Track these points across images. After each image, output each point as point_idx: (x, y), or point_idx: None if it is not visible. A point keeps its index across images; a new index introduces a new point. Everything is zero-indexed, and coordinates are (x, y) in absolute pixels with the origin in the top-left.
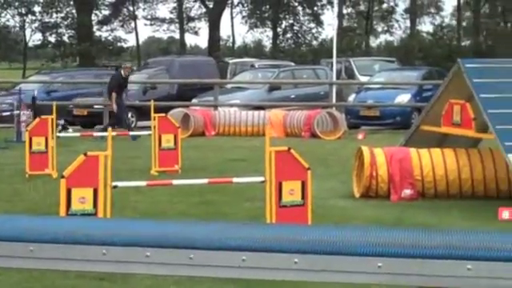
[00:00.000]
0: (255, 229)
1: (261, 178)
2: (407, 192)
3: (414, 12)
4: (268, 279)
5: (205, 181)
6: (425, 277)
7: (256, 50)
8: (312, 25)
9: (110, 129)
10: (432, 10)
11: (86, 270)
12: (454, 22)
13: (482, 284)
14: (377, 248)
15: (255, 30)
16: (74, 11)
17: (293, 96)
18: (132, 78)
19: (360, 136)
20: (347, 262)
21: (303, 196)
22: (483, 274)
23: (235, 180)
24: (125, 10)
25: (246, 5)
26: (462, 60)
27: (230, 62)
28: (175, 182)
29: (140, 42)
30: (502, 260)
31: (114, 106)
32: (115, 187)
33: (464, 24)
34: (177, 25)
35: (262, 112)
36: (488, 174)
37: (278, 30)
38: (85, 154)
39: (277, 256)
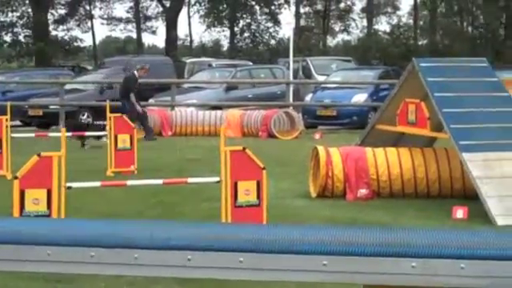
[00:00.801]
0: (200, 228)
1: (216, 178)
2: (363, 191)
3: (370, 11)
4: (214, 278)
5: (160, 181)
6: (370, 274)
7: (214, 50)
8: (269, 24)
9: (63, 129)
10: (389, 10)
11: (30, 271)
12: (411, 22)
13: (426, 281)
14: (322, 246)
15: (213, 29)
16: (29, 10)
17: (250, 96)
18: (88, 77)
19: (317, 136)
20: (292, 260)
21: (258, 196)
22: (427, 272)
23: (190, 180)
24: (81, 9)
25: (203, 4)
26: (416, 59)
27: (188, 61)
28: (129, 182)
29: (97, 42)
30: (446, 257)
31: (138, 108)
32: (69, 188)
33: (421, 23)
34: (134, 24)
35: (219, 112)
36: (443, 174)
37: (236, 29)
38: (38, 155)
39: (222, 255)
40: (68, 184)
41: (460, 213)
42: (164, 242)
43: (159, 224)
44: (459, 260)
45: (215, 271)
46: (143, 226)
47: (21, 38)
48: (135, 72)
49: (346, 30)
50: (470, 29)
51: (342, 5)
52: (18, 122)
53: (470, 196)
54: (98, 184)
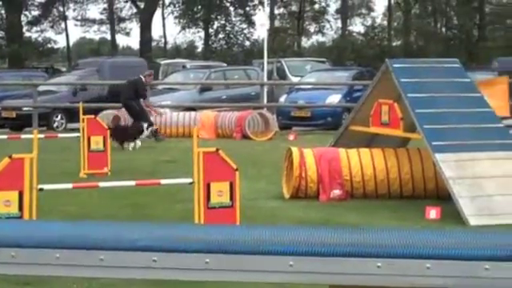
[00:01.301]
0: (166, 229)
1: (189, 180)
2: (336, 192)
3: (345, 13)
4: (180, 280)
5: (132, 183)
6: (336, 275)
7: (188, 51)
8: (244, 25)
9: (36, 131)
10: (363, 11)
11: None
12: (385, 23)
13: (391, 281)
14: (288, 247)
15: (187, 30)
16: (2, 11)
17: (224, 97)
18: (61, 79)
19: (291, 137)
20: (259, 261)
21: (231, 197)
22: (393, 272)
23: (163, 182)
24: (55, 10)
25: (177, 5)
26: (389, 60)
27: (162, 62)
28: (102, 184)
29: (71, 43)
30: (411, 257)
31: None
32: (41, 190)
33: (395, 24)
34: (108, 25)
35: (193, 113)
36: (416, 174)
37: (210, 30)
38: (10, 157)
39: (188, 256)
40: (40, 186)
41: (433, 213)
42: (129, 243)
43: (125, 225)
44: (425, 260)
45: (181, 272)
46: (109, 227)
47: None
48: (142, 77)
49: (320, 31)
50: (443, 30)
51: (317, 6)
52: None
53: (442, 196)
54: (69, 186)
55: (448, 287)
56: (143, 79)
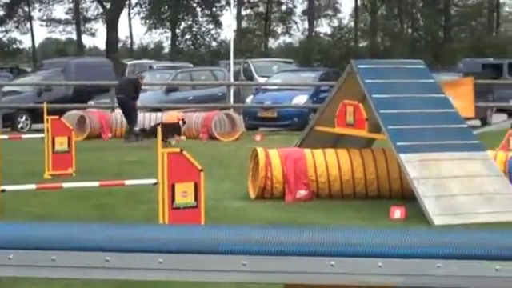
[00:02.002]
0: (119, 229)
1: (153, 180)
2: (302, 192)
3: (311, 14)
4: (133, 279)
5: (96, 184)
6: (289, 274)
7: (155, 52)
8: (211, 26)
9: None
10: (329, 12)
11: None
12: (352, 24)
13: (344, 279)
14: (241, 246)
15: (154, 31)
16: None
17: (190, 97)
18: (26, 79)
19: (257, 137)
20: (212, 260)
21: (196, 198)
22: (346, 270)
23: (127, 182)
24: (20, 10)
25: (144, 5)
26: (354, 61)
27: (129, 63)
28: (65, 185)
29: (37, 44)
30: (363, 256)
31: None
32: (3, 191)
33: (362, 25)
34: (74, 26)
35: (159, 114)
36: (381, 174)
37: (177, 31)
38: None
39: (141, 256)
40: (2, 187)
41: (397, 213)
42: (82, 243)
43: (78, 225)
44: (377, 258)
45: (134, 272)
46: (61, 227)
47: None
48: (139, 80)
49: (287, 32)
50: (410, 31)
51: (284, 7)
52: None
53: (407, 196)
54: (33, 187)
55: (400, 285)
56: (140, 82)
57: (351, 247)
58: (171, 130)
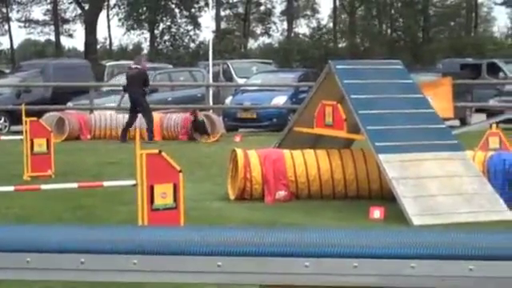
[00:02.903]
0: (93, 231)
1: (132, 182)
2: (281, 193)
3: (290, 14)
4: (108, 281)
5: (75, 185)
6: (264, 274)
7: (134, 53)
8: (189, 27)
9: None
10: (308, 13)
11: None
12: (331, 25)
13: (319, 280)
14: (216, 247)
15: (132, 32)
16: None
17: (170, 99)
18: (4, 81)
19: (237, 138)
20: (187, 261)
21: (175, 199)
22: (321, 271)
23: (106, 184)
24: None
25: (122, 7)
26: (332, 61)
27: (107, 64)
28: (44, 186)
29: (16, 45)
30: (338, 256)
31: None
32: None
33: (341, 26)
34: (52, 27)
35: (138, 115)
36: (360, 174)
37: (156, 32)
38: None
39: (115, 257)
40: None
41: (377, 213)
42: (57, 245)
43: (52, 227)
44: (352, 259)
45: (109, 274)
46: (36, 229)
47: None
48: (142, 67)
49: (266, 32)
50: (389, 32)
51: (263, 8)
52: None
53: (387, 196)
54: (11, 188)
55: (374, 285)
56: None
57: (326, 248)
58: (201, 128)
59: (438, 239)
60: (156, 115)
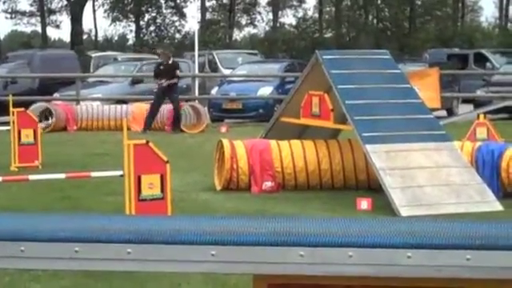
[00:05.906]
0: (87, 220)
1: (119, 172)
2: (268, 184)
3: (276, 4)
4: (103, 270)
5: (62, 175)
6: (258, 264)
7: (119, 44)
8: (175, 18)
9: None
10: (294, 3)
11: None
12: (317, 15)
13: (314, 270)
14: (210, 236)
15: (118, 23)
16: None
17: (155, 89)
18: None
19: (223, 129)
20: (180, 250)
21: (162, 189)
22: (316, 260)
23: (93, 174)
24: None
25: None
26: (319, 51)
27: (93, 55)
28: (31, 177)
29: (2, 36)
30: (334, 246)
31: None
32: None
33: (326, 17)
34: (38, 18)
35: (124, 106)
36: (347, 165)
37: (141, 23)
38: None
39: (109, 246)
40: None
41: (364, 204)
42: (50, 233)
43: (46, 216)
44: (347, 248)
45: (103, 263)
46: (29, 218)
47: None
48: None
49: (252, 23)
50: (375, 22)
51: None
52: None
53: (374, 187)
54: None
55: (370, 275)
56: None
57: (321, 237)
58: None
59: (435, 228)
60: (142, 106)
